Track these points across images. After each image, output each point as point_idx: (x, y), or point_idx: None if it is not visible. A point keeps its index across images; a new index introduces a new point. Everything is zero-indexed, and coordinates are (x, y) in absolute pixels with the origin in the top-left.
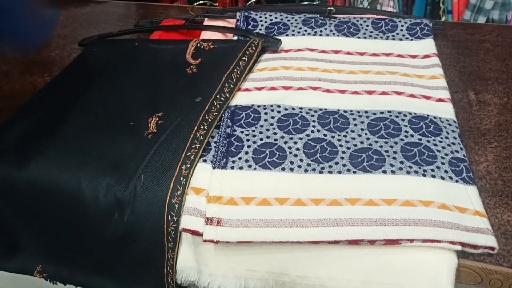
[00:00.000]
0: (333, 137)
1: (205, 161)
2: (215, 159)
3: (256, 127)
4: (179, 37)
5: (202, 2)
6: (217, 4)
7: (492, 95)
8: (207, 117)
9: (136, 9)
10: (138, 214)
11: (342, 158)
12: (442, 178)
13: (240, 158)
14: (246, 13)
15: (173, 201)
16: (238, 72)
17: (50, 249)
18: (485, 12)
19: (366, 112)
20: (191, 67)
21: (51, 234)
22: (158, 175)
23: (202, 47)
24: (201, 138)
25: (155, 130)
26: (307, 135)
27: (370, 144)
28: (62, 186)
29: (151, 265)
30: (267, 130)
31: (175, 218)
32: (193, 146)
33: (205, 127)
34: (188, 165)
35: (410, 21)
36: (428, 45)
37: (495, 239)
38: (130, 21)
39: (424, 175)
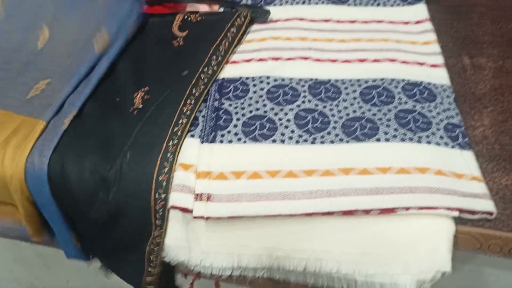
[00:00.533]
0: (324, 107)
1: (192, 136)
2: (203, 133)
3: (245, 100)
4: (165, 11)
5: None
6: None
7: (486, 59)
8: (194, 91)
9: None
10: (124, 193)
11: (334, 128)
12: (438, 144)
13: (229, 132)
14: None
15: (160, 178)
16: (226, 44)
17: None
18: None
19: (358, 80)
20: (178, 39)
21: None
22: (145, 152)
23: (189, 19)
24: (188, 112)
25: (141, 106)
26: (298, 106)
27: (363, 113)
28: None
29: (138, 243)
30: (256, 102)
31: (163, 196)
32: (180, 121)
33: (192, 102)
34: (175, 141)
35: None
36: (420, 10)
37: (493, 203)
38: None
39: (419, 142)
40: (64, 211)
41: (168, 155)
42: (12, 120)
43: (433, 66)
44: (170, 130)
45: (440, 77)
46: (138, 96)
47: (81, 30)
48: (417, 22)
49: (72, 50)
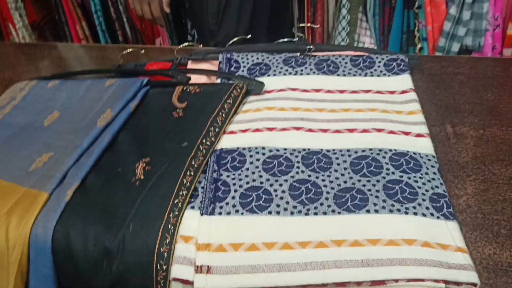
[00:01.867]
0: (317, 177)
1: (192, 207)
2: (202, 205)
3: (242, 171)
4: (165, 78)
5: (187, 43)
6: (201, 45)
7: (468, 127)
8: (193, 163)
9: (117, 52)
10: (127, 264)
11: (326, 198)
12: (424, 215)
13: (227, 203)
14: (228, 55)
15: (162, 250)
16: (223, 115)
17: None
18: (459, 39)
19: (348, 150)
20: (178, 110)
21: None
22: (147, 224)
23: (188, 90)
24: (188, 184)
25: (143, 177)
26: (292, 177)
27: (353, 183)
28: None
29: None
30: (253, 173)
31: (164, 267)
32: (180, 193)
33: (192, 173)
34: (176, 213)
35: (387, 57)
36: (405, 80)
37: (477, 274)
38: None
39: (406, 213)
40: (64, 284)
41: (169, 226)
42: (15, 191)
43: (418, 135)
44: (171, 202)
45: (424, 146)
46: (139, 167)
47: (88, 112)
48: (403, 92)
49: (76, 127)
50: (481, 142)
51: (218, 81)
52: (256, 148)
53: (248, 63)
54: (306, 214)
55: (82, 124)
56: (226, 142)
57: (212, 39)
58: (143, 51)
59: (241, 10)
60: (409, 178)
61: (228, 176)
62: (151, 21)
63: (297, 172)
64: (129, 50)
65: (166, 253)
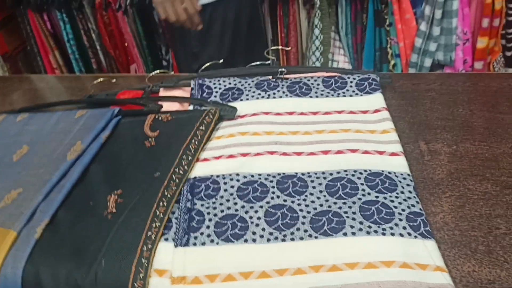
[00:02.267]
0: (292, 202)
1: (166, 239)
2: (176, 236)
3: (216, 199)
4: (137, 107)
5: (159, 71)
6: (173, 71)
7: (441, 144)
8: (166, 193)
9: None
10: None
11: (303, 223)
12: (401, 235)
13: (202, 233)
14: (200, 81)
15: (136, 285)
16: (196, 142)
17: None
18: (430, 54)
19: (323, 173)
20: (150, 139)
21: None
22: (119, 258)
23: (160, 118)
24: (161, 215)
25: (115, 210)
26: (267, 202)
27: (329, 206)
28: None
29: None
30: (227, 200)
31: None
32: (153, 225)
33: (165, 204)
34: (150, 246)
35: (359, 76)
36: (377, 99)
37: None
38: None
39: (383, 234)
40: None
41: (143, 260)
42: None
43: (392, 154)
44: (144, 235)
45: (399, 165)
46: (111, 200)
47: (58, 145)
48: (375, 111)
49: (46, 161)
50: (454, 158)
51: (191, 107)
52: (230, 174)
53: (220, 88)
54: (283, 240)
55: (51, 158)
56: (199, 170)
57: (196, 62)
58: (114, 80)
59: (222, 32)
60: (385, 198)
61: (202, 205)
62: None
63: (272, 198)
64: (100, 79)
65: None
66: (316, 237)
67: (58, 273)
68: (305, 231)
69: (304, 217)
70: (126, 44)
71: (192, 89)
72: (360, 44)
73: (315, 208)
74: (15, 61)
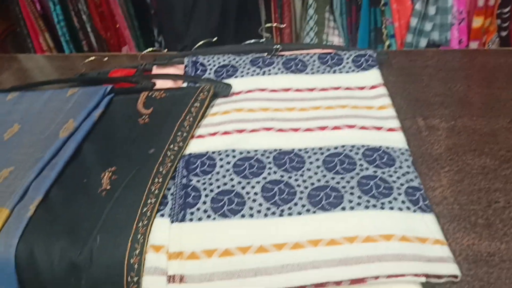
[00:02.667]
0: (290, 177)
1: (162, 215)
2: (172, 212)
3: (212, 175)
4: (129, 85)
5: (152, 49)
6: (166, 49)
7: (439, 119)
8: (161, 169)
9: (81, 61)
10: (96, 278)
11: (300, 198)
12: (400, 209)
13: (198, 209)
14: (194, 58)
15: (132, 261)
16: (191, 119)
17: None
18: (426, 34)
19: (320, 148)
20: (143, 117)
21: None
22: (115, 235)
23: (153, 96)
24: (156, 192)
25: (109, 187)
26: (264, 178)
27: (327, 181)
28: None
29: None
30: (224, 176)
31: (135, 279)
32: (149, 201)
33: (160, 180)
34: (145, 222)
35: (355, 53)
36: (374, 75)
37: (457, 266)
38: (74, 74)
39: (382, 208)
40: None
41: (139, 236)
42: None
43: (390, 130)
44: (139, 211)
45: (397, 140)
46: (105, 177)
47: (50, 124)
48: (372, 87)
49: (37, 139)
50: (452, 134)
51: (185, 85)
52: (226, 151)
53: (214, 66)
54: (280, 215)
55: (43, 136)
56: (194, 146)
57: (180, 43)
58: (106, 59)
59: (208, 12)
60: (383, 173)
61: (198, 181)
62: None
63: (269, 173)
64: (92, 58)
65: (136, 264)
66: (314, 212)
67: (52, 251)
68: (303, 206)
69: (301, 192)
70: (118, 25)
71: (185, 66)
72: (355, 24)
73: (312, 183)
74: (4, 44)
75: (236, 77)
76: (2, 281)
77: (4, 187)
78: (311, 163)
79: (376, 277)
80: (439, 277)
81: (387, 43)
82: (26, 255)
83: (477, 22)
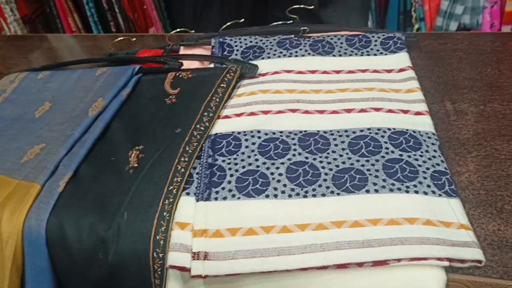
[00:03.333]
0: (314, 159)
1: (188, 193)
2: (198, 191)
3: (237, 155)
4: (157, 65)
5: (179, 30)
6: (193, 30)
7: (468, 103)
8: (187, 148)
9: (109, 41)
10: (123, 253)
11: (325, 180)
12: (425, 193)
13: (223, 188)
14: (221, 39)
15: (157, 238)
16: (217, 99)
17: None
18: (456, 18)
19: (346, 131)
20: (170, 97)
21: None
22: (141, 212)
23: (180, 76)
24: (183, 170)
25: (136, 164)
26: (289, 159)
27: (352, 164)
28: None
29: None
30: (249, 157)
31: (160, 255)
32: (175, 179)
33: (186, 159)
34: (171, 200)
35: (383, 35)
36: (402, 58)
37: (482, 251)
38: (102, 54)
39: (407, 192)
40: (60, 275)
41: (165, 214)
42: (6, 184)
43: (417, 113)
44: (165, 189)
45: (424, 124)
46: (132, 155)
47: (79, 102)
48: (400, 70)
49: (68, 117)
50: (482, 118)
51: (212, 65)
52: (252, 131)
53: (241, 47)
54: (304, 196)
55: (73, 114)
56: (220, 126)
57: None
58: (134, 39)
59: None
60: (409, 156)
61: (223, 161)
62: None
63: (293, 155)
64: (120, 38)
65: (162, 241)
66: (338, 194)
67: (81, 225)
68: (327, 187)
69: (326, 174)
70: (145, 6)
71: (212, 47)
72: (384, 7)
73: (337, 166)
74: (34, 24)
75: (262, 58)
76: (33, 254)
77: (36, 163)
78: (336, 145)
79: (399, 260)
80: (462, 261)
81: (416, 26)
82: (56, 230)
83: (511, 5)
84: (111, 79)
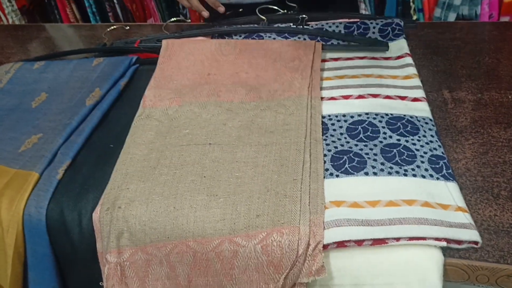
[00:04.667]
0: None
1: None
2: None
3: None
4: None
5: (175, 19)
6: (190, 20)
7: (466, 92)
8: None
9: (105, 30)
10: None
11: (324, 162)
12: (423, 176)
13: None
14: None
15: None
16: None
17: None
18: (455, 8)
19: (343, 115)
20: None
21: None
22: None
23: None
24: None
25: None
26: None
27: (350, 147)
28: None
29: None
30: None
31: None
32: None
33: None
34: None
35: (382, 21)
36: (400, 45)
37: (478, 234)
38: (99, 43)
39: (405, 175)
40: (61, 261)
41: None
42: (4, 173)
43: (415, 99)
44: None
45: (421, 110)
46: None
47: (76, 92)
48: (398, 57)
49: (65, 107)
50: (479, 106)
51: None
52: None
53: (240, 36)
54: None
55: (70, 104)
56: None
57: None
58: (127, 28)
59: None
60: (407, 141)
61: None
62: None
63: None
64: (113, 27)
65: None
66: (337, 176)
67: (81, 211)
68: (326, 169)
69: (324, 155)
70: None
71: (212, 37)
72: None
73: (335, 147)
74: (32, 15)
75: None
76: (34, 241)
77: (33, 152)
78: (334, 130)
79: (397, 239)
80: (459, 242)
81: (414, 17)
82: (56, 216)
83: None
84: (108, 69)
